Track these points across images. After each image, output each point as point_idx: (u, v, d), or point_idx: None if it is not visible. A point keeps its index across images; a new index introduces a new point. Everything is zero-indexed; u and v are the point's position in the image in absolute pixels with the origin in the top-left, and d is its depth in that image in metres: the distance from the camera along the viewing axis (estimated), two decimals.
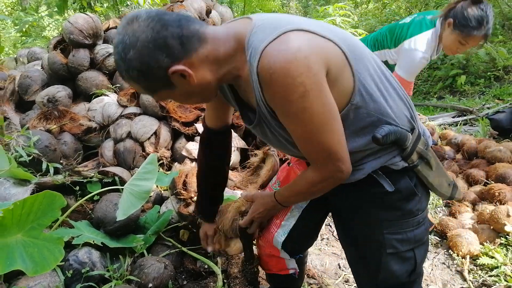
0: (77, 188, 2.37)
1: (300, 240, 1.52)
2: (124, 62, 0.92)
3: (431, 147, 1.20)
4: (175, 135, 2.84)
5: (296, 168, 1.44)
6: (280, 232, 1.44)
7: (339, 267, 2.36)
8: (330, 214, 1.53)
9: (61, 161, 2.51)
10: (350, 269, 2.29)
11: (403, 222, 1.17)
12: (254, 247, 1.70)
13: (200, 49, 0.94)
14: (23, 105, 3.17)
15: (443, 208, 3.00)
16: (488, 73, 6.76)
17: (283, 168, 1.57)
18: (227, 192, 2.38)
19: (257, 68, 0.90)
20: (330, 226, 2.79)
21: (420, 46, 2.23)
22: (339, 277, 2.26)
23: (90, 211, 2.29)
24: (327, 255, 2.49)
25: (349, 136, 1.04)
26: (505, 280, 2.14)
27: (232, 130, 1.48)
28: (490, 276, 2.21)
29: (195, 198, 2.27)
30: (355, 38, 1.05)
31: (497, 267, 2.23)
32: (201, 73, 0.97)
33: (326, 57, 0.91)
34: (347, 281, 2.25)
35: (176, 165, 2.62)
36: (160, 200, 2.52)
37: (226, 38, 0.98)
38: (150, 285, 1.86)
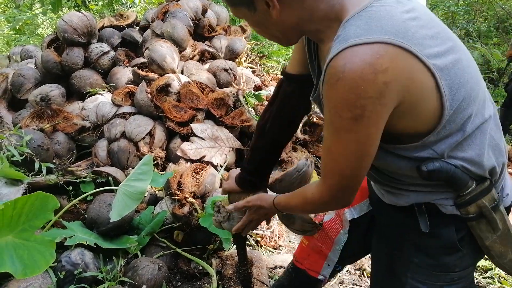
0: (70, 188, 2.35)
1: (352, 249, 1.44)
2: None
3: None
4: (170, 135, 2.82)
5: None
6: (342, 232, 1.40)
7: None
8: None
9: (54, 161, 2.49)
10: (345, 269, 2.31)
11: (433, 273, 1.02)
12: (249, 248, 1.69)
13: None
14: (16, 103, 3.14)
15: None
16: (483, 75, 6.78)
17: None
18: (218, 193, 2.37)
19: (332, 58, 0.78)
20: None
21: None
22: (334, 279, 2.25)
23: (83, 212, 2.27)
24: None
25: (402, 163, 0.93)
26: (499, 282, 2.15)
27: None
28: (484, 278, 2.21)
29: (189, 199, 2.26)
30: (471, 60, 0.89)
31: (491, 269, 2.24)
32: (287, 14, 0.87)
33: (409, 90, 0.78)
34: (342, 282, 2.24)
35: (171, 165, 2.60)
36: (154, 200, 2.50)
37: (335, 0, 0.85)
38: (144, 286, 1.85)
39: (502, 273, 2.19)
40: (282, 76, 1.27)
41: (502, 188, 0.99)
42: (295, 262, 1.55)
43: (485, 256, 2.04)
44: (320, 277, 1.48)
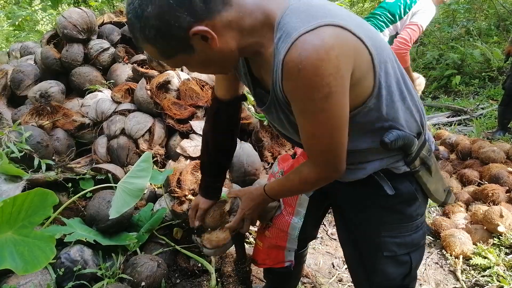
0: (70, 185, 2.35)
1: (309, 229, 1.52)
2: (140, 20, 0.83)
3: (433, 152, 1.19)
4: (170, 132, 2.81)
5: (301, 159, 1.44)
6: (295, 219, 1.45)
7: (333, 266, 2.36)
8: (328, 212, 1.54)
9: (53, 158, 2.49)
10: (344, 267, 2.31)
11: (403, 226, 1.18)
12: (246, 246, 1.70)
13: (223, 12, 0.86)
14: (15, 100, 3.13)
15: (437, 208, 3.01)
16: (483, 74, 6.79)
17: (285, 157, 1.56)
18: None
19: (284, 56, 0.85)
20: (325, 225, 2.79)
21: (430, 2, 2.88)
22: (332, 276, 2.26)
23: (82, 209, 2.27)
24: (321, 254, 2.49)
25: (354, 135, 1.02)
26: (497, 280, 2.15)
27: (243, 102, 1.41)
28: (483, 276, 2.22)
29: (189, 196, 2.26)
30: (380, 36, 1.01)
31: (489, 267, 2.25)
32: (224, 39, 0.89)
33: (355, 59, 0.88)
34: (340, 280, 2.25)
35: (170, 162, 2.60)
36: (153, 198, 2.50)
37: (254, 9, 0.90)
38: (143, 283, 1.85)
39: (501, 272, 2.20)
40: (214, 101, 1.38)
41: (428, 138, 1.16)
42: (260, 266, 1.63)
43: (474, 248, 2.12)
44: (286, 264, 1.54)
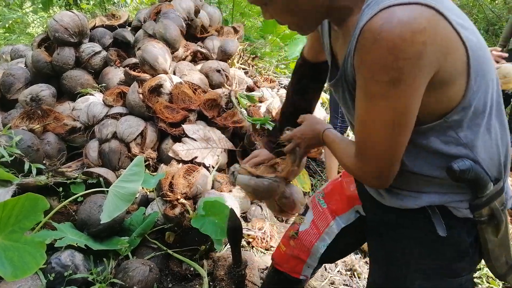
0: (61, 189, 2.33)
1: (332, 256, 1.49)
2: None
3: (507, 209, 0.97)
4: (162, 136, 2.81)
5: (344, 183, 1.40)
6: (319, 244, 1.41)
7: (325, 269, 2.37)
8: None
9: (44, 162, 2.47)
10: (337, 270, 2.32)
11: (443, 279, 0.98)
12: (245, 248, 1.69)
13: None
14: (5, 103, 3.10)
15: None
16: None
17: (333, 180, 1.53)
18: (213, 194, 2.37)
19: (365, 23, 0.74)
20: None
21: None
22: (325, 279, 2.27)
23: (73, 213, 2.26)
24: None
25: (421, 154, 0.88)
26: (487, 282, 2.18)
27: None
28: (473, 277, 2.24)
29: (181, 200, 2.26)
30: (488, 52, 0.85)
31: (479, 269, 2.27)
32: None
33: (445, 57, 0.74)
34: (332, 283, 2.25)
35: (163, 166, 2.60)
36: (145, 201, 2.49)
37: None
38: None
39: (490, 273, 2.22)
40: (300, 57, 1.37)
41: (506, 189, 0.95)
42: (275, 265, 1.57)
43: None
44: (302, 277, 1.50)
